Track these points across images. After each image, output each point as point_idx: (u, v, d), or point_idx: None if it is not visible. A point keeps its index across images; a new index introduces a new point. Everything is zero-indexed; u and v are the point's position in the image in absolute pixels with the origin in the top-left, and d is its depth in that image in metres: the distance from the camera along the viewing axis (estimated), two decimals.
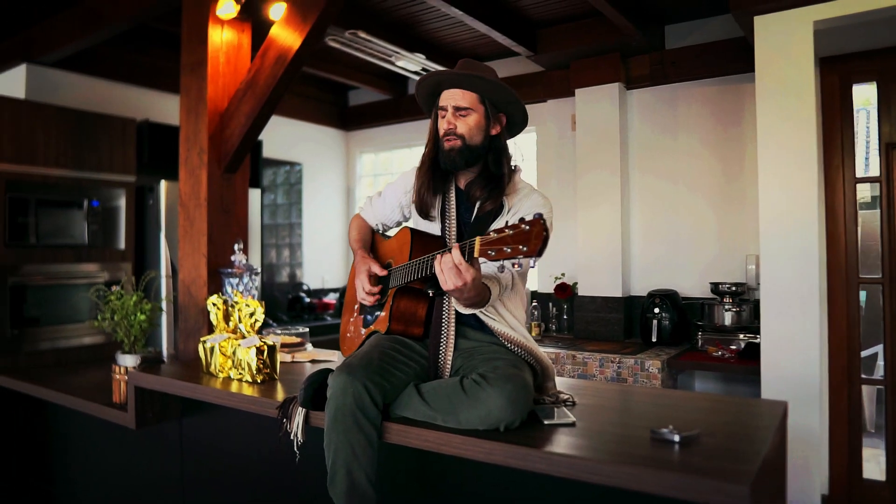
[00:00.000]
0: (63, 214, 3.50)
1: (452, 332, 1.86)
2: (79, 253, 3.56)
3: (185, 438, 2.65)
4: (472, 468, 1.83)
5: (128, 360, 2.57)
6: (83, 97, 4.04)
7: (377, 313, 2.05)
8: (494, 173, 1.88)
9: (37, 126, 3.37)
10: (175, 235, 3.76)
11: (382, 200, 2.18)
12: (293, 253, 5.66)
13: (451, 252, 1.55)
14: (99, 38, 3.62)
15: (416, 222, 2.05)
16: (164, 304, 2.92)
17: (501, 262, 1.42)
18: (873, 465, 3.53)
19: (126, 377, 2.52)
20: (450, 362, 1.84)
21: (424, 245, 1.88)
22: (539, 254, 1.36)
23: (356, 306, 2.22)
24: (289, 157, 5.55)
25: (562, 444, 1.50)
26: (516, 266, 1.41)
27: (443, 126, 1.90)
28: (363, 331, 2.13)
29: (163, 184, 3.79)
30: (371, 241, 2.22)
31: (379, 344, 1.83)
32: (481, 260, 1.51)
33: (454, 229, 1.93)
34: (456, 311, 1.86)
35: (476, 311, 1.82)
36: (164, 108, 4.43)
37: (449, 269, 1.55)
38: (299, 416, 1.89)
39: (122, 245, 3.72)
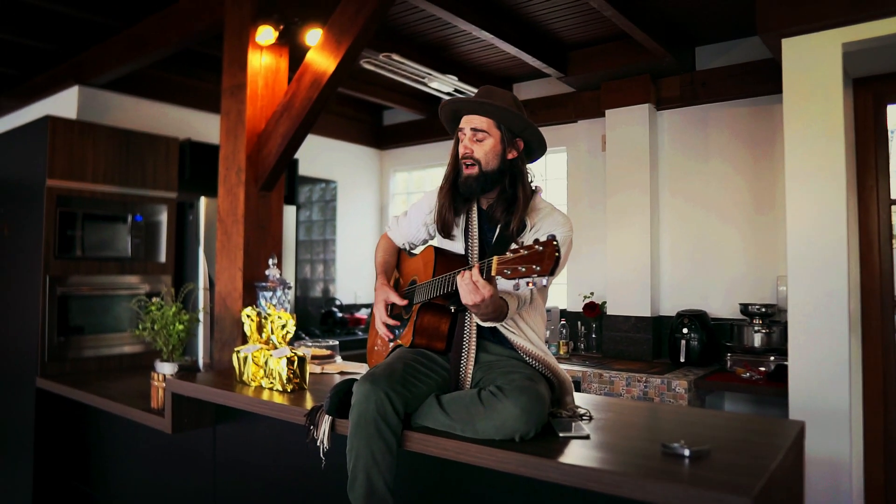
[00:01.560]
0: (108, 228, 3.68)
1: (474, 346, 1.92)
2: (122, 265, 3.74)
3: (218, 445, 2.75)
4: (488, 477, 1.89)
5: (166, 368, 2.70)
6: (130, 117, 4.26)
7: (399, 329, 2.13)
8: (511, 196, 1.95)
9: (87, 145, 3.56)
10: (213, 250, 3.91)
11: (408, 220, 2.26)
12: (327, 269, 5.79)
13: (470, 270, 1.63)
14: (145, 62, 3.82)
15: (441, 241, 2.13)
16: (200, 315, 3.04)
17: (517, 281, 1.49)
18: None
19: (164, 384, 2.64)
20: (470, 375, 1.91)
21: (448, 263, 1.95)
22: (551, 273, 1.43)
23: None
24: (324, 174, 5.70)
25: (573, 455, 1.55)
26: (531, 285, 1.47)
27: (461, 149, 1.97)
28: (390, 345, 2.22)
29: (202, 200, 3.95)
30: (395, 264, 2.30)
31: (402, 356, 1.91)
32: (499, 278, 1.58)
33: (476, 248, 2.00)
34: (477, 327, 1.93)
35: (496, 325, 1.88)
36: (206, 127, 4.63)
37: (467, 286, 1.64)
38: (325, 423, 1.97)
39: (162, 258, 3.89)
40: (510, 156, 1.97)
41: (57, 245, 3.47)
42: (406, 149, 6.05)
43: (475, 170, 1.94)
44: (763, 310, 3.78)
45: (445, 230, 2.03)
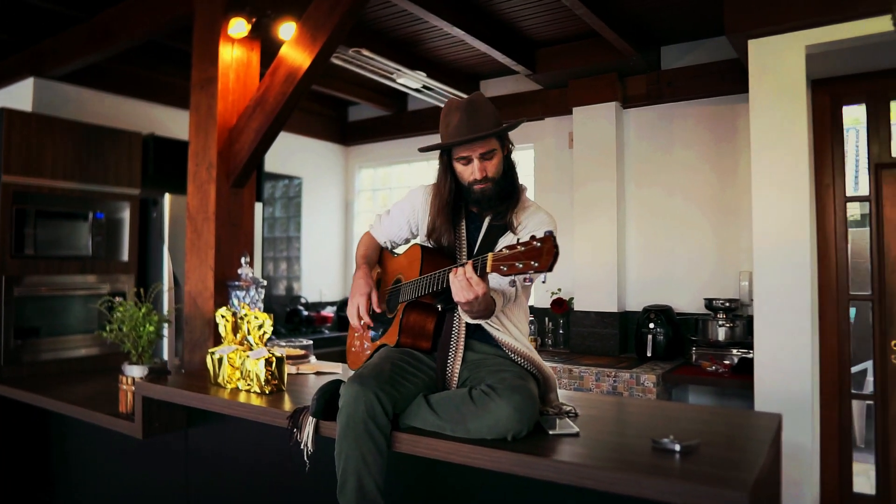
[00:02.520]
0: (68, 226, 3.54)
1: (461, 345, 1.92)
2: (82, 264, 3.60)
3: (191, 450, 2.68)
4: (476, 477, 1.89)
5: (135, 371, 2.61)
6: (90, 111, 4.11)
7: (382, 328, 2.11)
8: (508, 191, 1.95)
9: (45, 139, 3.42)
10: (178, 248, 3.80)
11: (391, 219, 2.24)
12: (290, 266, 5.71)
13: (463, 267, 1.62)
14: (108, 54, 3.68)
15: (425, 239, 2.12)
16: (171, 315, 2.96)
17: (513, 277, 1.50)
18: (863, 479, 3.59)
19: (133, 387, 2.56)
20: (457, 374, 1.91)
21: (435, 262, 1.94)
22: (550, 269, 1.44)
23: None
24: (288, 170, 5.61)
25: (567, 453, 1.56)
26: (527, 281, 1.48)
27: (469, 173, 1.93)
28: (366, 344, 2.20)
29: (167, 197, 3.84)
30: (377, 259, 2.28)
31: (389, 356, 1.89)
32: (494, 275, 1.58)
33: (464, 246, 2.00)
34: (466, 325, 1.93)
35: (482, 322, 1.88)
36: (170, 122, 4.50)
37: (461, 283, 1.63)
38: (309, 425, 1.94)
39: (125, 257, 3.77)
40: (505, 153, 1.98)
41: (13, 244, 3.33)
42: (372, 145, 6.00)
43: (490, 185, 1.93)
44: (727, 304, 3.88)
45: (439, 242, 2.01)
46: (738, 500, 1.25)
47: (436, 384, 1.91)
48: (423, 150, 2.02)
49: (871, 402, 3.58)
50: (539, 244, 1.46)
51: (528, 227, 1.93)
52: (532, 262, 1.46)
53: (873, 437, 3.52)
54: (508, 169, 2.00)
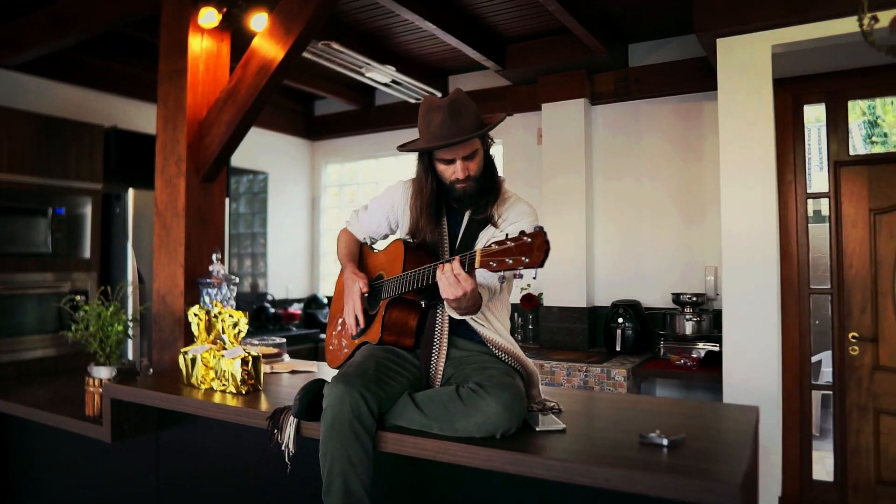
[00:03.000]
0: (26, 222, 3.39)
1: (445, 342, 1.91)
2: (42, 262, 3.46)
3: (163, 453, 2.61)
4: (461, 476, 1.88)
5: (102, 373, 2.53)
6: (49, 102, 3.94)
7: (363, 326, 2.08)
8: (488, 186, 1.94)
9: (0, 131, 3.27)
10: (143, 244, 3.69)
11: (369, 215, 2.21)
12: (256, 263, 5.61)
13: (451, 263, 1.60)
14: (68, 43, 3.53)
15: (405, 235, 2.10)
16: (136, 315, 2.87)
17: (502, 273, 1.48)
18: (820, 466, 3.71)
19: (101, 390, 2.47)
20: (441, 371, 1.89)
21: (417, 258, 1.92)
22: (541, 265, 1.43)
23: (340, 319, 2.24)
24: (253, 165, 5.50)
25: (556, 449, 1.57)
26: (517, 276, 1.47)
27: (451, 173, 1.91)
28: (345, 342, 2.16)
29: (131, 192, 3.72)
30: (359, 255, 2.25)
31: (373, 354, 1.86)
32: (482, 270, 1.57)
33: (446, 241, 1.98)
34: (448, 322, 1.92)
35: (467, 318, 1.87)
36: (134, 115, 4.36)
37: (448, 279, 1.61)
38: (291, 426, 1.90)
39: (87, 254, 3.63)
40: (486, 151, 1.97)
41: None
42: (339, 140, 5.93)
43: (471, 184, 1.91)
44: (694, 299, 3.96)
45: (421, 237, 1.99)
46: (730, 492, 1.27)
47: (420, 382, 1.89)
48: (402, 148, 1.99)
49: (830, 392, 3.69)
50: (529, 239, 1.45)
51: (509, 218, 1.93)
52: (523, 258, 1.44)
53: (829, 426, 3.64)
54: (488, 165, 1.99)
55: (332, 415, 1.69)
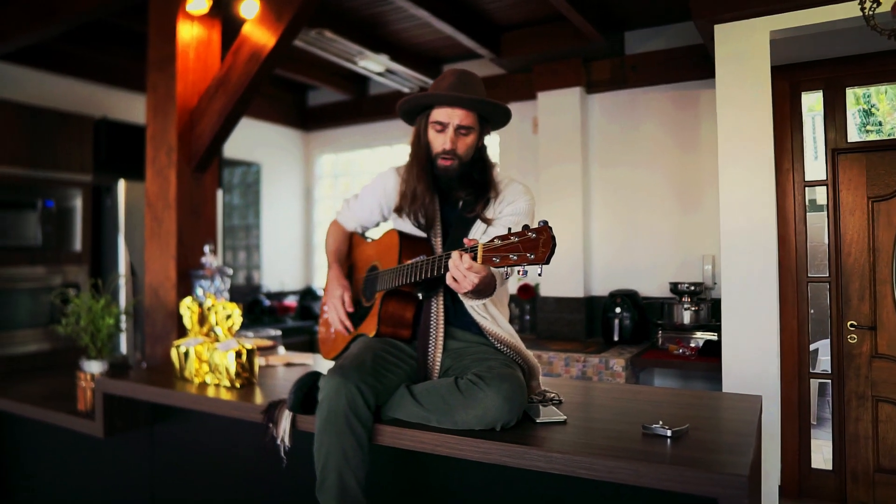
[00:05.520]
0: (14, 215, 3.34)
1: (441, 333, 1.87)
2: (31, 255, 3.41)
3: (156, 446, 2.57)
4: (459, 469, 1.85)
5: (94, 367, 2.48)
6: (35, 93, 3.87)
7: (358, 316, 2.05)
8: (478, 180, 1.91)
9: None
10: (134, 237, 3.64)
11: (360, 203, 2.17)
12: (250, 255, 5.56)
13: (457, 259, 1.52)
14: (54, 32, 3.46)
15: (396, 223, 2.06)
16: (130, 307, 2.82)
17: (506, 269, 1.43)
18: (818, 455, 3.70)
19: (93, 384, 2.43)
20: (439, 363, 1.86)
21: (413, 248, 1.88)
22: (547, 261, 1.37)
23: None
24: (246, 157, 5.44)
25: (557, 441, 1.53)
26: (521, 273, 1.42)
27: (440, 143, 1.87)
28: (333, 331, 2.13)
29: (121, 183, 3.66)
30: (347, 251, 2.21)
31: (370, 346, 1.83)
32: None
33: (440, 231, 1.94)
34: (445, 313, 1.88)
35: (468, 307, 1.84)
36: (123, 106, 4.29)
37: (460, 275, 1.53)
38: (286, 420, 1.87)
39: (77, 247, 3.58)
40: (480, 143, 1.93)
41: None
42: (332, 130, 5.87)
43: (455, 163, 1.87)
44: (692, 288, 3.93)
45: (429, 224, 1.93)
46: (738, 483, 1.24)
47: (418, 374, 1.86)
48: (402, 102, 1.95)
49: (828, 380, 3.68)
50: (534, 235, 1.38)
51: (505, 199, 1.91)
52: (528, 255, 1.38)
53: (826, 415, 3.63)
54: (480, 159, 1.94)
55: (327, 408, 1.66)
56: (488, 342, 1.88)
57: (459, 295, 1.76)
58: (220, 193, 4.40)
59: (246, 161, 5.46)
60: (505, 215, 1.88)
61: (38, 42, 3.60)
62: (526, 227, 1.40)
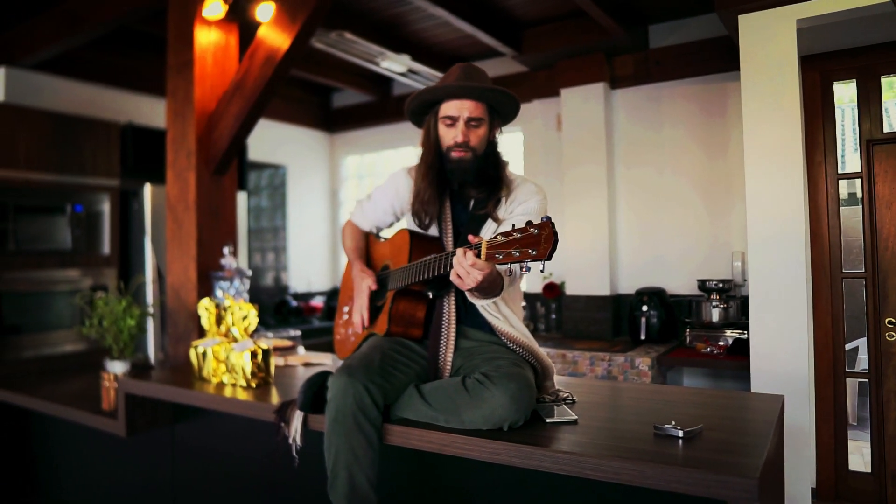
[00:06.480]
0: (45, 220, 3.43)
1: (453, 333, 1.85)
2: (62, 259, 3.50)
3: (178, 446, 2.61)
4: (470, 469, 1.83)
5: (117, 367, 2.53)
6: (65, 101, 3.98)
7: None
8: (491, 176, 1.88)
9: (18, 130, 3.30)
10: (161, 239, 3.70)
11: (373, 204, 2.16)
12: (278, 256, 5.62)
13: (461, 256, 1.52)
14: (80, 41, 3.55)
15: (409, 222, 2.05)
16: (151, 309, 2.87)
17: (509, 266, 1.42)
18: (857, 457, 3.58)
19: (116, 384, 2.48)
20: (450, 362, 1.84)
21: (423, 247, 1.87)
22: (549, 257, 1.35)
23: (346, 308, 2.20)
24: (273, 159, 5.51)
25: (566, 441, 1.50)
26: (524, 269, 1.40)
27: (451, 136, 1.86)
28: (351, 332, 2.12)
29: (147, 187, 3.73)
30: (365, 249, 2.20)
31: (379, 345, 1.82)
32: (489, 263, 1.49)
33: (450, 230, 1.92)
34: (456, 312, 1.86)
35: (479, 307, 1.82)
36: (149, 111, 4.38)
37: (463, 271, 1.52)
38: (297, 419, 1.87)
39: (106, 250, 3.66)
40: (492, 136, 1.91)
41: None
42: (357, 132, 5.90)
43: (469, 155, 1.85)
44: (720, 285, 3.84)
45: (427, 218, 1.92)
46: (747, 486, 1.19)
47: (428, 373, 1.84)
48: (409, 102, 1.94)
49: (865, 379, 3.55)
50: (536, 231, 1.37)
51: (517, 200, 1.88)
52: (529, 251, 1.37)
53: (866, 415, 3.51)
54: (492, 153, 1.92)
55: (335, 407, 1.66)
56: (500, 341, 1.85)
57: (467, 295, 1.74)
58: (245, 196, 4.48)
59: (272, 164, 5.53)
60: (516, 214, 1.85)
61: (65, 51, 3.69)
62: (529, 222, 1.38)
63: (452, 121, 1.86)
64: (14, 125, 3.29)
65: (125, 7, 3.12)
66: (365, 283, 2.01)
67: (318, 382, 1.83)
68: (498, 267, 1.65)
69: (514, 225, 1.43)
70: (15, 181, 3.31)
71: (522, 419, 1.59)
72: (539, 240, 1.35)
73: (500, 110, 1.92)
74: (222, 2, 2.72)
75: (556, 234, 1.36)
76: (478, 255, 1.47)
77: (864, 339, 3.59)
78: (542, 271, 1.42)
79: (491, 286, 1.64)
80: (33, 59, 3.76)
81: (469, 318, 1.89)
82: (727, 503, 1.23)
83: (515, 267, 1.41)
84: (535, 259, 1.36)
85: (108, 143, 3.65)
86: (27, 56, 3.71)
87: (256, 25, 2.79)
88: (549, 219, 1.36)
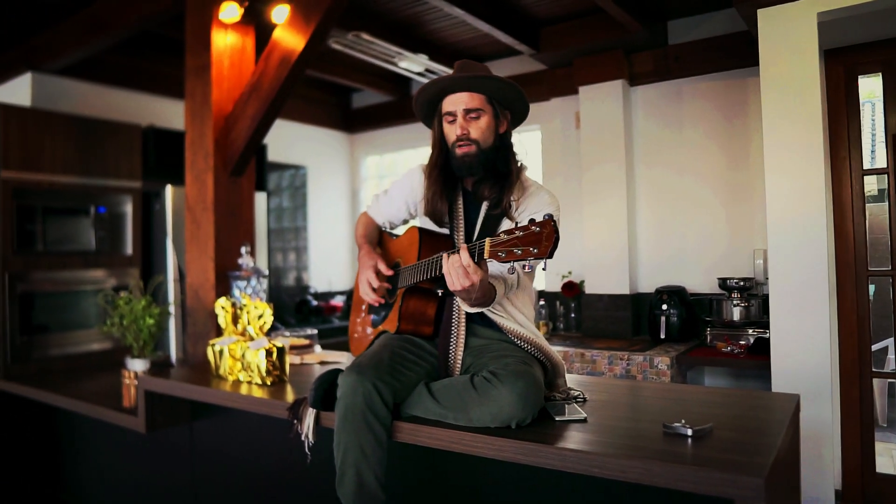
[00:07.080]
0: (70, 221, 3.51)
1: (463, 331, 1.85)
2: (86, 259, 3.58)
3: (196, 442, 2.65)
4: (479, 467, 1.83)
5: (137, 365, 2.58)
6: (88, 104, 4.07)
7: (382, 313, 2.05)
8: (502, 172, 1.87)
9: (43, 134, 3.38)
10: (182, 240, 3.77)
11: (389, 199, 2.17)
12: (299, 256, 5.67)
13: (459, 253, 1.54)
14: (102, 45, 3.63)
15: (424, 220, 2.05)
16: (171, 308, 2.92)
17: (511, 264, 1.41)
18: (886, 458, 3.50)
19: (136, 381, 2.53)
20: (460, 360, 1.84)
21: (433, 245, 1.87)
22: (550, 255, 1.35)
23: (364, 306, 2.22)
24: (293, 160, 5.56)
25: (573, 439, 1.50)
26: (527, 268, 1.39)
27: (454, 132, 1.87)
28: (370, 330, 2.14)
29: (169, 189, 3.80)
30: (377, 239, 2.21)
31: (388, 343, 1.83)
32: (493, 261, 1.49)
33: (462, 230, 1.92)
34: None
35: (483, 310, 1.81)
36: (170, 113, 4.46)
37: (456, 270, 1.54)
38: (310, 416, 1.89)
39: (129, 251, 3.74)
40: (501, 129, 1.90)
41: (15, 240, 3.30)
42: (376, 132, 5.93)
43: (473, 148, 1.85)
44: (741, 283, 3.79)
45: (437, 219, 1.93)
46: (754, 485, 1.18)
47: (438, 371, 1.85)
48: (416, 106, 1.96)
49: (893, 380, 3.48)
50: (538, 229, 1.37)
51: (529, 207, 1.85)
52: (531, 248, 1.36)
53: (895, 417, 3.43)
54: (502, 146, 1.91)
55: (344, 405, 1.67)
56: (510, 339, 1.85)
57: (459, 302, 1.74)
58: (265, 197, 4.52)
59: (293, 164, 5.58)
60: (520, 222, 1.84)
61: (88, 56, 3.77)
62: (532, 220, 1.38)
63: (453, 117, 1.87)
64: (41, 130, 3.38)
65: (145, 11, 3.17)
66: (370, 262, 1.98)
67: (329, 380, 1.84)
68: (500, 266, 1.65)
69: (516, 223, 1.43)
70: (42, 184, 3.39)
71: (530, 417, 1.59)
72: (540, 238, 1.35)
73: (503, 101, 1.90)
74: (238, 5, 2.75)
75: (557, 231, 1.35)
76: (482, 253, 1.47)
77: (892, 339, 3.52)
78: (543, 269, 1.41)
79: (481, 293, 1.61)
80: (58, 63, 3.84)
81: (480, 316, 1.88)
82: (734, 502, 1.22)
83: (518, 266, 1.41)
84: (536, 257, 1.35)
85: (131, 145, 3.72)
86: (52, 61, 3.80)
87: (272, 27, 2.82)
88: (550, 216, 1.36)
